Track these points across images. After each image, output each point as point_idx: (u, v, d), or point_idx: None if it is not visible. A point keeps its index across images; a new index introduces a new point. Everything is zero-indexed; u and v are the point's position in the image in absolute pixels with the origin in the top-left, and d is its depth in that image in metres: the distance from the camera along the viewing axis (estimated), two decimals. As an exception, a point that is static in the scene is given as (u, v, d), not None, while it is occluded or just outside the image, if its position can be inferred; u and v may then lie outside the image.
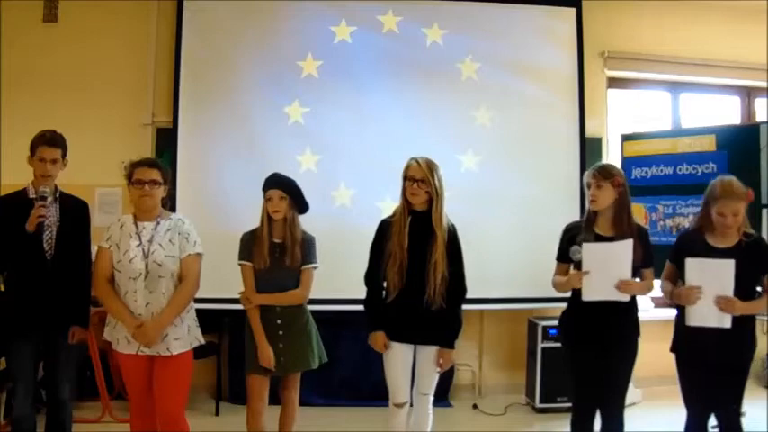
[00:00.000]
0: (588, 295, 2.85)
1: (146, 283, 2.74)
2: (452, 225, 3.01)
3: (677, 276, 3.00)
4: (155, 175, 2.80)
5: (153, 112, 4.57)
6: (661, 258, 3.22)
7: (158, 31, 4.59)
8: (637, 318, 2.98)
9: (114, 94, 4.54)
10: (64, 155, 2.98)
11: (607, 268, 2.82)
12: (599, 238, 2.89)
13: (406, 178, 2.96)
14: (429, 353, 2.98)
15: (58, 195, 2.99)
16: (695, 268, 2.84)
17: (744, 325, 2.83)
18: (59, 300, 2.90)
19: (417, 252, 2.91)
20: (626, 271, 2.83)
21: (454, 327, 3.00)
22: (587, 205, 2.99)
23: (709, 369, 2.84)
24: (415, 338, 2.98)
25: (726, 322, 2.77)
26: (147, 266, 2.74)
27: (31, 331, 2.89)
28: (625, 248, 2.82)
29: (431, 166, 2.94)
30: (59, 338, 2.94)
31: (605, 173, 2.90)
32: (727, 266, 2.77)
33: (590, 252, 2.83)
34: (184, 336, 2.83)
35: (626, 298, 2.87)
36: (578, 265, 2.90)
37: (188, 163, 4.36)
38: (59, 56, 4.52)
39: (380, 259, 2.97)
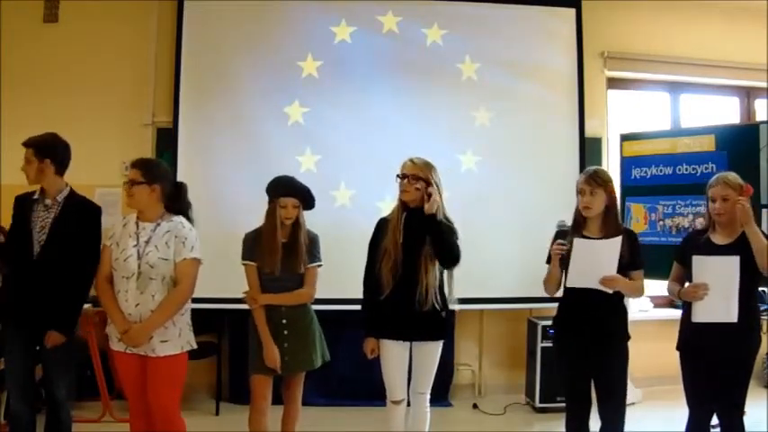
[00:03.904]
0: (571, 282, 2.88)
1: (137, 283, 2.73)
2: (449, 220, 3.00)
3: (683, 277, 3.02)
4: (133, 174, 2.80)
5: (153, 112, 4.57)
6: (661, 258, 3.22)
7: (158, 31, 4.59)
8: (626, 321, 2.99)
9: (114, 94, 4.54)
10: (41, 155, 2.92)
11: (592, 263, 2.83)
12: None
13: (399, 177, 2.98)
14: (424, 349, 3.00)
15: (61, 197, 2.97)
16: (701, 265, 2.88)
17: (749, 321, 2.84)
18: (44, 301, 2.87)
19: (413, 249, 2.92)
20: (611, 268, 2.83)
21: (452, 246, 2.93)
22: (577, 208, 2.96)
23: (713, 366, 2.85)
24: (409, 335, 2.99)
25: (733, 316, 2.80)
26: (139, 267, 2.74)
27: (22, 329, 2.91)
28: (613, 246, 2.82)
29: (425, 165, 2.96)
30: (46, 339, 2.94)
31: (600, 180, 2.88)
32: (733, 263, 2.80)
33: (579, 246, 2.83)
34: (174, 338, 2.79)
35: (609, 290, 2.85)
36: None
37: (188, 163, 4.36)
38: (59, 56, 4.52)
39: (377, 257, 2.98)
